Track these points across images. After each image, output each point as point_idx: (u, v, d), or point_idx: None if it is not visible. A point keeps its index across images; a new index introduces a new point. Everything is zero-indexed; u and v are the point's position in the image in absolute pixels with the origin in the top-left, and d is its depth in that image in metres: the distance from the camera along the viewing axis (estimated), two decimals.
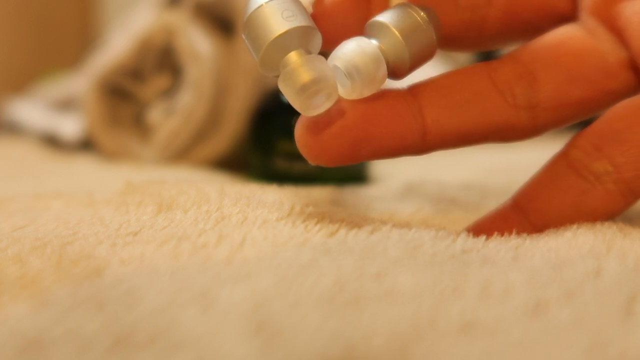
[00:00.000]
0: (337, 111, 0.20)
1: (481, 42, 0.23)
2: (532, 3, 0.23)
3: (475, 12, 0.22)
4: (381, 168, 0.46)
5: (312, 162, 0.21)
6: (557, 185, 0.21)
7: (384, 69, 0.20)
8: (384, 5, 0.21)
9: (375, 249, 0.18)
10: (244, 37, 0.20)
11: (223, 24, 0.49)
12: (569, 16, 0.23)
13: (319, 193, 0.30)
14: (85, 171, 0.47)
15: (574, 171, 0.21)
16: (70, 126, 0.57)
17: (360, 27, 0.21)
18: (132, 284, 0.16)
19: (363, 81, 0.19)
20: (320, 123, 0.20)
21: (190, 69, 0.47)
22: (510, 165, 0.47)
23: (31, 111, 0.68)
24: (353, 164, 0.21)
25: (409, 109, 0.21)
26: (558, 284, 0.16)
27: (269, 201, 0.24)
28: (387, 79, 0.20)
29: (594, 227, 0.20)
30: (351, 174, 0.40)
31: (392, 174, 0.45)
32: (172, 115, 0.47)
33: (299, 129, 0.20)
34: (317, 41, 0.20)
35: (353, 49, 0.19)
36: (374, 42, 0.20)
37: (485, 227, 0.22)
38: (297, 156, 0.41)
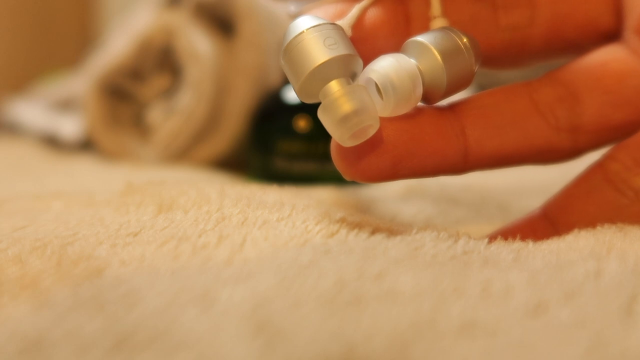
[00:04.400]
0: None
1: (522, 60, 0.23)
2: (576, 21, 0.22)
3: (517, 32, 0.22)
4: None
5: (348, 178, 0.20)
6: (592, 199, 0.21)
7: (419, 89, 0.19)
8: (424, 29, 0.21)
9: (376, 250, 0.18)
10: (282, 63, 0.19)
11: (223, 24, 0.49)
12: (612, 34, 0.22)
13: (320, 193, 0.30)
14: (85, 171, 0.47)
15: (611, 185, 0.20)
16: (70, 126, 0.57)
17: (399, 50, 0.20)
18: (132, 285, 0.16)
19: (397, 98, 0.19)
20: (363, 144, 0.19)
21: (190, 69, 0.47)
22: (511, 167, 0.47)
23: (31, 111, 0.68)
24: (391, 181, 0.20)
25: (452, 128, 0.20)
26: (558, 284, 0.16)
27: (269, 202, 0.24)
28: (420, 102, 0.20)
29: (594, 229, 0.20)
30: None
31: None
32: (172, 115, 0.47)
33: (336, 144, 0.20)
34: (359, 68, 0.19)
35: (390, 64, 0.19)
36: (412, 60, 0.19)
37: (511, 236, 0.21)
38: (297, 156, 0.41)
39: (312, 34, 0.18)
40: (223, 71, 0.47)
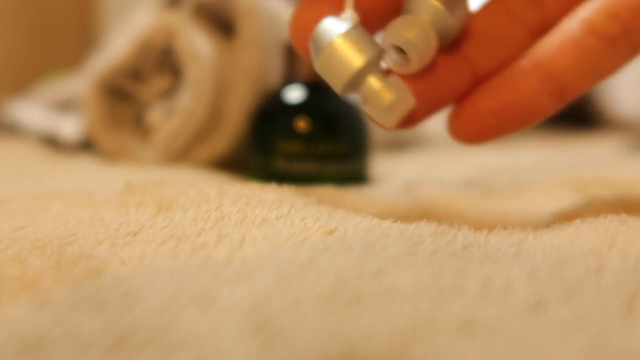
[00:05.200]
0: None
1: None
2: None
3: None
4: (381, 168, 0.46)
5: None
6: (579, 45, 0.23)
7: (435, 41, 0.21)
8: None
9: (375, 247, 0.18)
10: (317, 68, 0.21)
11: (223, 25, 0.49)
12: None
13: (319, 192, 0.30)
14: (85, 171, 0.47)
15: (594, 35, 0.23)
16: (70, 127, 0.57)
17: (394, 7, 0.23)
18: (131, 284, 0.16)
19: (420, 55, 0.21)
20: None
21: (190, 70, 0.47)
22: (511, 165, 0.47)
23: (31, 112, 0.68)
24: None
25: (463, 64, 0.24)
26: (559, 281, 0.16)
27: (268, 200, 0.24)
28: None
29: (597, 221, 0.20)
30: (351, 174, 0.40)
31: (392, 173, 0.45)
32: (172, 115, 0.47)
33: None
34: (382, 58, 0.22)
35: (405, 26, 0.21)
36: (421, 17, 0.21)
37: (503, 87, 0.23)
38: (297, 156, 0.41)
39: (343, 41, 0.21)
40: (223, 71, 0.47)
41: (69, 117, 0.60)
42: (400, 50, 0.22)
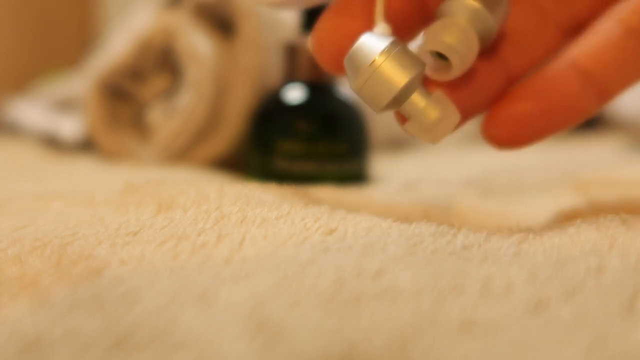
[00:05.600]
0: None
1: None
2: None
3: None
4: (381, 168, 0.46)
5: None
6: (621, 46, 0.23)
7: (476, 45, 0.21)
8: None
9: (375, 246, 0.18)
10: (355, 89, 0.20)
11: (223, 25, 0.49)
12: None
13: (319, 192, 0.30)
14: (85, 171, 0.47)
15: (633, 35, 0.22)
16: (70, 127, 0.57)
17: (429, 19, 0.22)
18: (131, 284, 0.16)
19: (462, 61, 0.20)
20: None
21: (190, 70, 0.47)
22: (511, 165, 0.47)
23: (31, 111, 0.68)
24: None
25: (498, 66, 0.23)
26: (559, 281, 0.16)
27: (268, 200, 0.23)
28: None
29: (597, 221, 0.20)
30: (351, 174, 0.40)
31: (392, 173, 0.45)
32: (172, 115, 0.47)
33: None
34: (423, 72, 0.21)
35: (445, 31, 0.20)
36: (461, 20, 0.20)
37: (544, 88, 0.23)
38: (297, 156, 0.41)
39: (385, 59, 0.20)
40: (223, 71, 0.47)
41: (69, 117, 0.60)
42: (440, 57, 0.21)
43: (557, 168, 0.48)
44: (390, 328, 0.13)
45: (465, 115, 0.22)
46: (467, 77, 0.22)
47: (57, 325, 0.14)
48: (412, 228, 0.20)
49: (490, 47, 0.23)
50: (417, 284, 0.15)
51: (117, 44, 0.51)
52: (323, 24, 0.21)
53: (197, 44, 0.47)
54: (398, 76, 0.20)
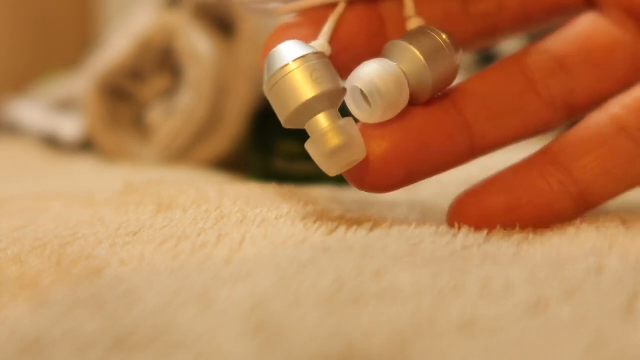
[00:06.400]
0: (387, 142, 0.19)
1: (493, 41, 0.23)
2: (544, 2, 0.22)
3: (488, 19, 0.22)
4: None
5: (362, 190, 0.20)
6: (608, 146, 0.20)
7: (406, 92, 0.19)
8: (401, 30, 0.21)
9: (375, 247, 0.18)
10: (266, 91, 0.19)
11: (223, 25, 0.49)
12: (582, 6, 0.22)
13: (319, 192, 0.30)
14: (85, 171, 0.47)
15: (627, 136, 0.20)
16: (70, 127, 0.57)
17: (379, 55, 0.20)
18: (131, 284, 0.16)
19: (385, 104, 0.19)
20: (374, 157, 0.19)
21: (190, 70, 0.47)
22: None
23: (31, 111, 0.68)
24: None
25: (456, 126, 0.20)
26: (559, 281, 0.16)
27: (268, 200, 0.24)
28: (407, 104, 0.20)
29: (597, 221, 0.20)
30: None
31: None
32: (172, 115, 0.47)
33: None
34: (344, 97, 0.19)
35: (374, 70, 0.19)
36: (395, 64, 0.19)
37: (516, 184, 0.21)
38: (297, 156, 0.41)
39: (298, 67, 0.18)
40: (223, 71, 0.47)
41: (69, 117, 0.60)
42: (365, 97, 0.19)
43: None
44: (390, 328, 0.13)
45: (412, 169, 0.20)
46: (414, 127, 0.20)
47: (57, 325, 0.14)
48: (412, 228, 0.20)
49: (454, 105, 0.21)
50: (417, 284, 0.15)
51: (117, 44, 0.51)
52: (273, 33, 0.20)
53: (197, 44, 0.47)
54: (307, 87, 0.18)
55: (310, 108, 0.19)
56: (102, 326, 0.14)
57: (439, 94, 0.20)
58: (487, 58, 0.53)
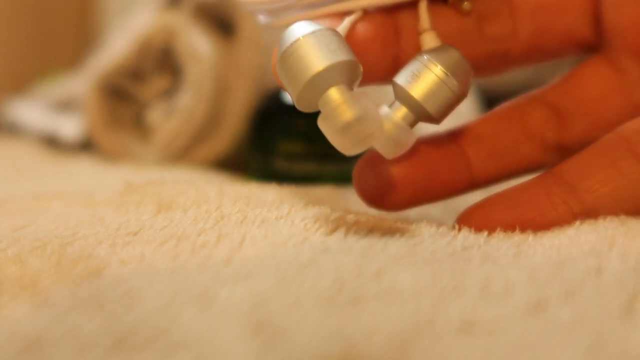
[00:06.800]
0: (398, 168, 0.22)
1: (503, 68, 0.24)
2: (555, 33, 0.23)
3: (500, 43, 0.23)
4: None
5: (371, 207, 0.23)
6: (617, 168, 0.20)
7: (412, 136, 0.20)
8: (414, 41, 0.21)
9: (375, 247, 0.18)
10: (278, 71, 0.18)
11: (223, 25, 0.49)
12: (592, 45, 0.23)
13: (319, 192, 0.30)
14: (85, 171, 0.47)
15: (635, 159, 0.20)
16: (70, 127, 0.57)
17: (391, 64, 0.21)
18: (131, 284, 0.16)
19: (394, 149, 0.20)
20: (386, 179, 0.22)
21: (190, 70, 0.47)
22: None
23: (31, 112, 0.68)
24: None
25: (459, 161, 0.23)
26: (559, 282, 0.16)
27: (268, 200, 0.24)
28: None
29: (597, 222, 0.20)
30: (351, 174, 0.40)
31: None
32: (172, 115, 0.47)
33: (358, 181, 0.23)
34: (359, 74, 0.19)
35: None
36: (396, 107, 0.20)
37: (521, 201, 0.21)
38: (297, 156, 0.41)
39: (311, 40, 0.18)
40: (223, 71, 0.47)
41: (69, 117, 0.60)
42: None
43: None
44: (390, 328, 0.13)
45: (418, 196, 0.23)
46: (420, 161, 0.22)
47: (57, 325, 0.14)
48: (412, 228, 0.20)
49: (457, 144, 0.23)
50: (417, 285, 0.15)
51: (117, 44, 0.51)
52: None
53: (197, 44, 0.47)
54: (320, 59, 0.17)
55: (323, 81, 0.18)
56: (102, 326, 0.14)
57: (447, 133, 0.23)
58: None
